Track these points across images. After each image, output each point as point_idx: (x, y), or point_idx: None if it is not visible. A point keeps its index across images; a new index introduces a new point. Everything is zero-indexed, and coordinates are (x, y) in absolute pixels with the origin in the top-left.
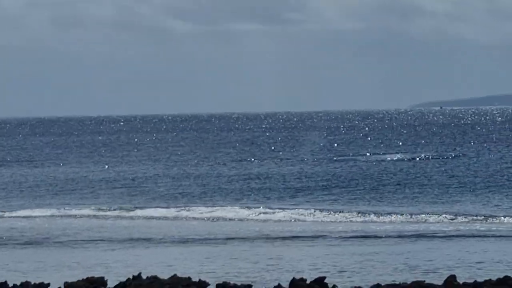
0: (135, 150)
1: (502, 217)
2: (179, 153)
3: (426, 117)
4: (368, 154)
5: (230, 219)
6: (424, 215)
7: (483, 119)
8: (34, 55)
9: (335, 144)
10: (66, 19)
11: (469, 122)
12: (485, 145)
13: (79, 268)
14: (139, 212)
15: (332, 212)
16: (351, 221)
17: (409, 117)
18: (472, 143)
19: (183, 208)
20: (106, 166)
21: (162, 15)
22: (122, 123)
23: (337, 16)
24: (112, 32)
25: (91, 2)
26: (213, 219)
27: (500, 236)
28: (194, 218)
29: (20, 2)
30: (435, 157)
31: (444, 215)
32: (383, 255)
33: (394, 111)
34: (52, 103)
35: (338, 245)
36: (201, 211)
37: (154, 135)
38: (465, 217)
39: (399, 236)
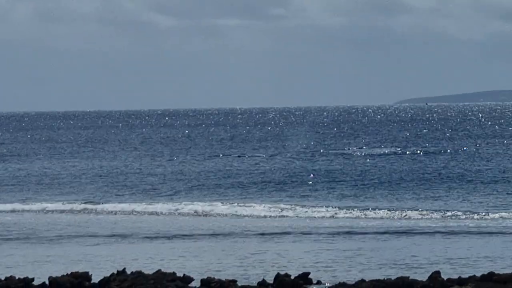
0: (119, 145)
1: (485, 213)
2: (163, 149)
3: (411, 113)
4: (354, 148)
5: (216, 215)
6: (409, 211)
7: (470, 113)
8: (15, 48)
9: (320, 140)
10: (50, 13)
11: (452, 117)
12: (470, 141)
13: (64, 263)
14: (123, 207)
15: (317, 208)
16: (335, 216)
17: (394, 113)
18: (456, 139)
19: (167, 203)
20: (89, 162)
21: (146, 10)
22: (103, 118)
23: (322, 12)
24: (96, 26)
25: None
26: (197, 214)
27: (484, 232)
28: (179, 214)
29: None
30: (420, 152)
31: (428, 211)
32: (367, 251)
33: (379, 107)
34: (33, 97)
35: (322, 241)
36: (185, 206)
37: (138, 130)
38: (449, 213)
39: (384, 232)
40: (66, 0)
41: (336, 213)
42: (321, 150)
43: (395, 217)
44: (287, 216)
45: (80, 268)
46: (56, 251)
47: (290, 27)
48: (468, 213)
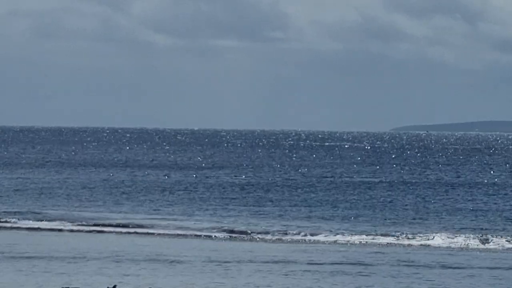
0: (110, 163)
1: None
2: (153, 166)
3: (403, 141)
4: (344, 175)
5: (222, 239)
6: (406, 240)
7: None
8: (12, 64)
9: (316, 165)
10: (46, 29)
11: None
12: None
13: (54, 281)
14: (111, 228)
15: (313, 235)
16: (330, 242)
17: (388, 140)
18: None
19: (152, 225)
20: (82, 180)
21: (144, 29)
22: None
23: (319, 36)
24: (92, 44)
25: (72, 13)
26: (181, 236)
27: (482, 267)
28: (166, 235)
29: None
30: (410, 180)
31: (425, 242)
32: (362, 280)
33: (374, 133)
34: (28, 112)
35: (316, 267)
36: (170, 228)
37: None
38: (442, 244)
39: (385, 263)
40: (64, 17)
41: (329, 242)
42: (316, 177)
43: (396, 244)
44: (280, 240)
45: (72, 284)
46: (45, 271)
47: (288, 50)
48: (460, 244)
